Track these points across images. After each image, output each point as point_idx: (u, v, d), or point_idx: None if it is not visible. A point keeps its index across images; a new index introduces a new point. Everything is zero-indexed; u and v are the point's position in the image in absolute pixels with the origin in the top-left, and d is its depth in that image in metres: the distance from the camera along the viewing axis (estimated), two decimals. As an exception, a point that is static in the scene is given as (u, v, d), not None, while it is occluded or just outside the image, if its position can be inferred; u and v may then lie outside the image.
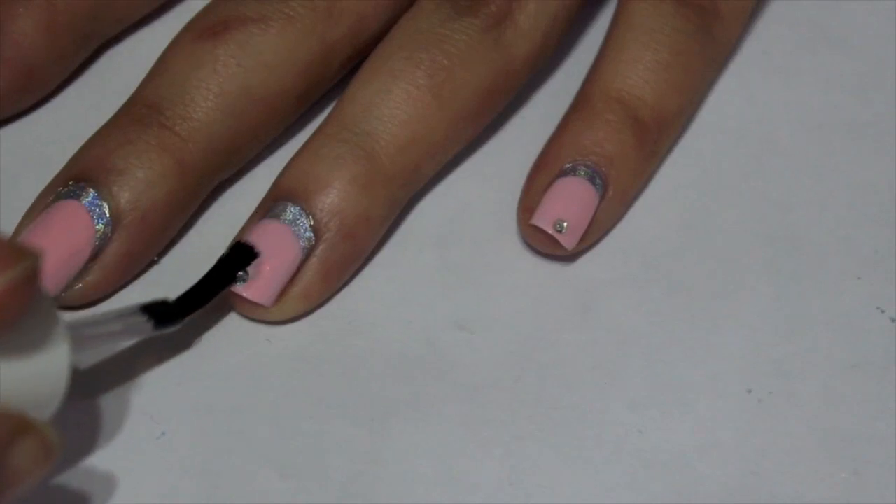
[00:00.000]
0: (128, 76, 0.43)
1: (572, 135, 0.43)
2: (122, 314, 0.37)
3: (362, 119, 0.42)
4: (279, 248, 0.40)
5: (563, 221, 0.41)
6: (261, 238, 0.40)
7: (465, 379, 0.40)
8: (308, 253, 0.41)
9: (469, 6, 0.43)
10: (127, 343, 0.37)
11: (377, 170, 0.41)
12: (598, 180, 0.42)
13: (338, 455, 0.39)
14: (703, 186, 0.44)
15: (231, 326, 0.41)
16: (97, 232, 0.40)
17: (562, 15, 0.44)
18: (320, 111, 0.44)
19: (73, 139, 0.42)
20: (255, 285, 0.40)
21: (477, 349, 0.41)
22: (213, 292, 0.39)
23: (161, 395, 0.39)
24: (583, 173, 0.42)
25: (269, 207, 0.41)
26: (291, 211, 0.41)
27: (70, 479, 0.38)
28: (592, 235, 0.42)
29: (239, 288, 0.40)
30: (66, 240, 0.40)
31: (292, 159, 0.42)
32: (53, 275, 0.39)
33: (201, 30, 0.42)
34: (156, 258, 0.42)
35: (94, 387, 0.39)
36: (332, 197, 0.41)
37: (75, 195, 0.40)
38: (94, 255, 0.40)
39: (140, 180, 0.40)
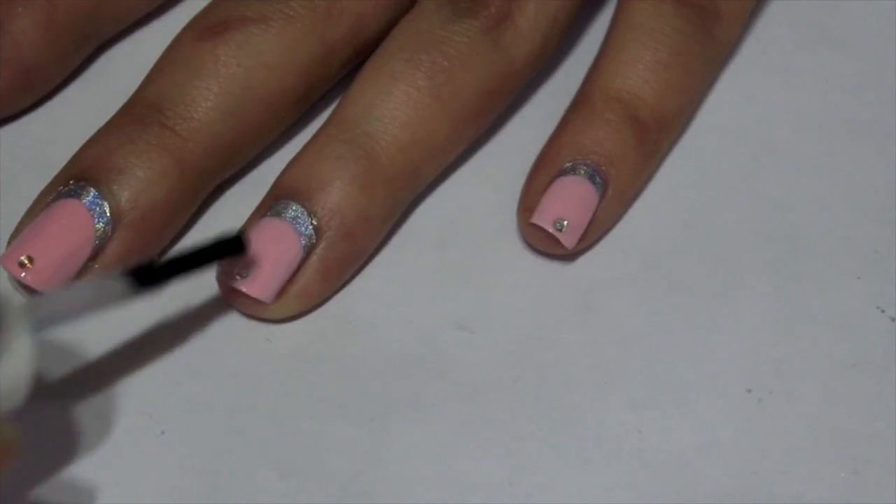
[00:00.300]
0: (128, 76, 0.43)
1: (572, 134, 0.43)
2: (98, 281, 0.36)
3: (363, 120, 0.42)
4: (280, 245, 0.40)
5: (563, 220, 0.41)
6: (262, 235, 0.40)
7: (465, 378, 0.40)
8: (309, 251, 0.41)
9: (469, 8, 0.43)
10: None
11: (377, 170, 0.41)
12: (597, 179, 0.42)
13: (337, 455, 0.39)
14: (703, 186, 0.44)
15: (231, 326, 0.41)
16: (97, 231, 0.40)
17: (561, 16, 0.44)
18: (321, 112, 0.44)
19: (73, 139, 0.42)
20: (256, 282, 0.40)
21: (477, 349, 0.41)
22: (196, 265, 0.38)
23: (161, 394, 0.39)
24: (583, 172, 0.42)
25: (271, 206, 0.41)
26: (293, 209, 0.41)
27: (70, 478, 0.38)
28: (592, 235, 0.42)
29: (239, 284, 0.40)
30: (67, 239, 0.40)
31: (293, 159, 0.42)
32: (53, 274, 0.39)
33: (201, 30, 0.42)
34: (156, 258, 0.42)
35: (93, 386, 0.39)
36: (334, 196, 0.41)
37: (76, 194, 0.40)
38: (95, 254, 0.40)
39: (140, 180, 0.40)
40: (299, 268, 0.41)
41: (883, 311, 0.42)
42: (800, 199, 0.44)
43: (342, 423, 0.39)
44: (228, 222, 0.42)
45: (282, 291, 0.40)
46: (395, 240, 0.43)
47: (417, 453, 0.39)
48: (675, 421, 0.40)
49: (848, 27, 0.48)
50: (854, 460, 0.39)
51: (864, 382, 0.41)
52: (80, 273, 0.40)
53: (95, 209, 0.40)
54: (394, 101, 0.42)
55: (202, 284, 0.41)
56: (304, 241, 0.41)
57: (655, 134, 0.43)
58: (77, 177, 0.41)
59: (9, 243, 0.40)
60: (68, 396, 0.39)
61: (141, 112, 0.41)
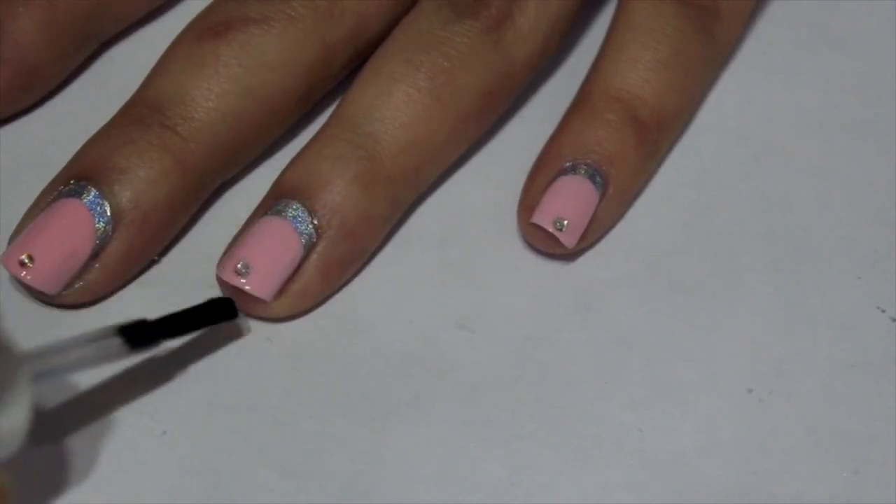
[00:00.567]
0: (128, 76, 0.43)
1: (572, 134, 0.43)
2: (94, 337, 0.36)
3: (363, 121, 0.42)
4: (280, 244, 0.40)
5: (564, 220, 0.41)
6: (262, 233, 0.40)
7: (466, 378, 0.40)
8: (309, 251, 0.41)
9: (469, 8, 0.43)
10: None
11: (378, 170, 0.41)
12: (598, 179, 0.42)
13: (338, 454, 0.39)
14: (704, 186, 0.44)
15: (232, 325, 0.41)
16: (98, 231, 0.40)
17: (562, 16, 0.44)
18: (322, 113, 0.44)
19: (74, 139, 0.42)
20: (256, 279, 0.40)
21: (477, 348, 0.41)
22: (189, 327, 0.39)
23: (162, 394, 0.39)
24: (583, 172, 0.42)
25: (271, 205, 0.41)
26: (293, 208, 0.41)
27: (71, 477, 0.38)
28: (593, 234, 0.42)
29: (240, 281, 0.40)
30: (67, 238, 0.40)
31: (294, 159, 0.42)
32: (54, 273, 0.39)
33: (203, 30, 0.42)
34: (156, 258, 0.42)
35: (94, 386, 0.39)
36: (334, 195, 0.41)
37: (77, 194, 0.40)
38: (95, 254, 0.40)
39: (141, 180, 0.40)
40: (299, 267, 0.41)
41: (883, 312, 0.42)
42: (800, 198, 0.44)
43: (343, 422, 0.39)
44: (230, 222, 0.42)
45: (282, 290, 0.41)
46: (396, 239, 0.43)
47: (418, 453, 0.39)
48: (675, 421, 0.40)
49: (848, 27, 0.48)
50: (854, 460, 0.39)
51: (864, 382, 0.41)
52: (81, 272, 0.40)
53: (96, 209, 0.40)
54: (394, 102, 0.42)
55: (203, 284, 0.41)
56: (304, 241, 0.41)
57: (655, 134, 0.43)
58: (78, 176, 0.41)
59: (9, 242, 0.40)
60: (69, 396, 0.39)
61: (142, 112, 0.41)
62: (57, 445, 0.38)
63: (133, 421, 0.39)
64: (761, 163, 0.45)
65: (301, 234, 0.41)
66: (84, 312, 0.41)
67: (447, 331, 0.41)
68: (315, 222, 0.41)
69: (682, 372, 0.41)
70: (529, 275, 0.42)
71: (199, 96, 0.41)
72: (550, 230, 0.41)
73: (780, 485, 0.39)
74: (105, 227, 0.40)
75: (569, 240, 0.42)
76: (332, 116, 0.43)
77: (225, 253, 0.41)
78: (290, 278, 0.41)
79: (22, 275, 0.39)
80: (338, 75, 0.44)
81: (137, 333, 0.37)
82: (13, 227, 0.41)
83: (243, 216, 0.42)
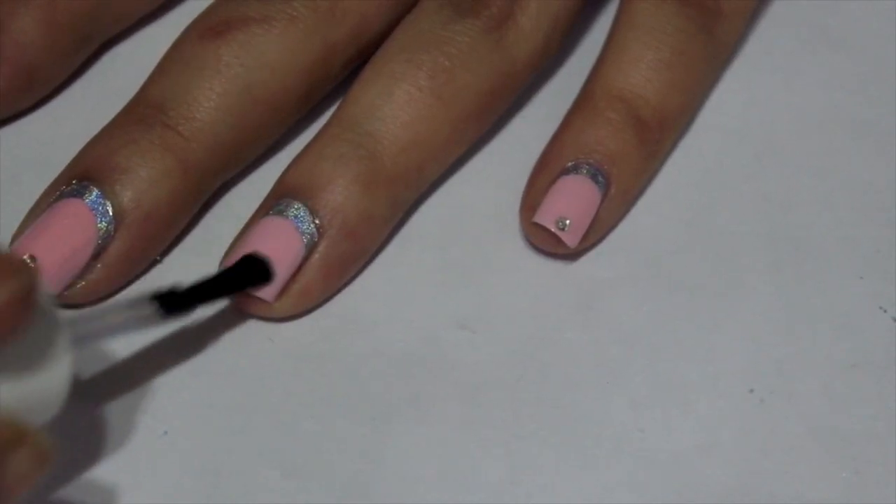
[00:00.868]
0: (130, 76, 0.43)
1: (574, 133, 0.43)
2: (130, 304, 0.36)
3: (364, 120, 0.42)
4: (282, 243, 0.40)
5: (566, 219, 0.41)
6: (264, 233, 0.40)
7: (467, 378, 0.40)
8: (310, 250, 0.41)
9: (471, 8, 0.43)
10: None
11: (379, 170, 0.41)
12: (600, 178, 0.42)
13: (339, 454, 0.39)
14: (705, 186, 0.44)
15: (233, 325, 0.41)
16: (100, 230, 0.40)
17: (563, 15, 0.44)
18: (323, 113, 0.44)
19: (75, 139, 0.42)
20: None
21: (478, 348, 0.41)
22: (224, 291, 0.39)
23: (163, 393, 0.39)
24: (585, 172, 0.42)
25: (273, 205, 0.41)
26: (295, 208, 0.41)
27: (72, 477, 0.38)
28: (595, 234, 0.42)
29: None
30: (69, 238, 0.40)
31: (295, 158, 0.42)
32: (56, 273, 0.39)
33: (204, 30, 0.42)
34: (158, 258, 0.42)
35: (96, 386, 0.39)
36: (335, 195, 0.41)
37: (78, 194, 0.40)
38: (97, 254, 0.40)
39: (143, 179, 0.40)
40: (301, 267, 0.41)
41: (885, 311, 0.42)
42: (802, 198, 0.44)
43: (344, 422, 0.39)
44: (232, 222, 0.42)
45: (283, 290, 0.41)
46: (397, 239, 0.43)
47: (419, 453, 0.39)
48: (676, 420, 0.40)
49: (849, 27, 0.48)
50: (855, 460, 0.39)
51: (866, 382, 0.41)
52: (83, 272, 0.40)
53: (98, 208, 0.40)
54: (396, 101, 0.42)
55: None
56: (305, 240, 0.41)
57: (657, 133, 0.43)
58: (80, 176, 0.41)
59: (11, 243, 0.40)
60: (70, 397, 0.39)
61: (144, 112, 0.41)
62: (59, 445, 0.38)
63: (135, 420, 0.39)
64: (763, 163, 0.45)
65: (303, 233, 0.41)
66: (85, 312, 0.41)
67: (448, 331, 0.41)
68: (317, 222, 0.41)
69: (683, 372, 0.41)
70: (531, 274, 0.42)
71: (200, 96, 0.41)
72: (552, 230, 0.41)
73: (781, 485, 0.39)
74: (107, 227, 0.40)
75: (571, 239, 0.42)
76: (333, 116, 0.43)
77: (227, 252, 0.41)
78: (292, 278, 0.41)
79: (24, 274, 0.39)
80: (339, 75, 0.44)
81: (171, 300, 0.37)
82: (14, 228, 0.41)
83: (245, 216, 0.42)
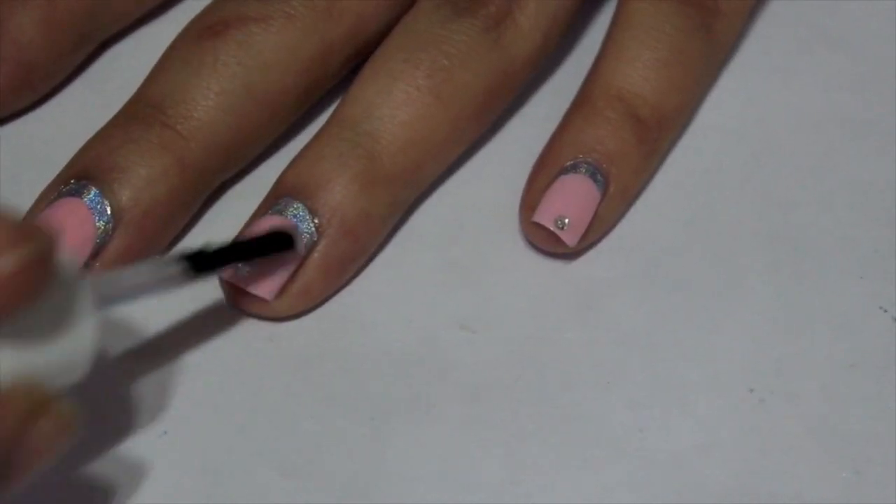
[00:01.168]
0: (129, 75, 0.43)
1: (573, 133, 0.43)
2: (158, 264, 0.37)
3: (363, 120, 0.42)
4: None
5: (565, 219, 0.41)
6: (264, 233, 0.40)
7: (466, 378, 0.40)
8: (310, 250, 0.41)
9: (469, 7, 0.43)
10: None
11: (378, 169, 0.41)
12: (599, 178, 0.42)
13: (339, 454, 0.39)
14: (704, 186, 0.44)
15: (233, 325, 0.41)
16: (98, 229, 0.40)
17: (561, 14, 0.44)
18: (322, 113, 0.44)
19: (74, 138, 0.42)
20: (257, 279, 0.40)
21: (478, 348, 0.41)
22: (251, 254, 0.39)
23: (163, 393, 0.39)
24: (584, 171, 0.42)
25: (272, 204, 0.41)
26: (294, 207, 0.41)
27: (72, 476, 0.38)
28: (594, 233, 0.42)
29: (241, 280, 0.40)
30: (68, 237, 0.40)
31: (295, 158, 0.42)
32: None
33: (202, 29, 0.42)
34: (158, 256, 0.42)
35: (96, 385, 0.39)
36: (335, 195, 0.41)
37: (77, 193, 0.40)
38: (96, 253, 0.40)
39: (142, 178, 0.40)
40: (300, 266, 0.41)
41: (885, 311, 0.42)
42: (801, 198, 0.44)
43: (343, 422, 0.39)
44: (230, 221, 0.42)
45: (283, 289, 0.40)
46: (397, 239, 0.43)
47: (418, 453, 0.39)
48: (675, 421, 0.40)
49: (848, 27, 0.48)
50: (855, 460, 0.39)
51: (866, 382, 0.41)
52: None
53: (97, 207, 0.40)
54: (394, 101, 0.42)
55: (204, 283, 0.41)
56: (305, 240, 0.41)
57: (656, 132, 0.43)
58: (78, 175, 0.41)
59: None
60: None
61: (142, 111, 0.41)
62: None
63: (134, 419, 0.39)
64: (761, 163, 0.45)
65: (302, 233, 0.40)
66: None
67: (448, 331, 0.41)
68: (316, 222, 0.41)
69: (682, 372, 0.41)
70: (530, 274, 0.42)
71: (198, 95, 0.41)
72: (552, 229, 0.41)
73: (781, 485, 0.39)
74: (106, 227, 0.40)
75: (570, 238, 0.42)
76: (332, 116, 0.43)
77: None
78: (291, 277, 0.40)
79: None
80: (337, 74, 0.44)
81: (200, 260, 0.37)
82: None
83: (245, 215, 0.42)
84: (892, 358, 0.41)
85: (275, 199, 0.41)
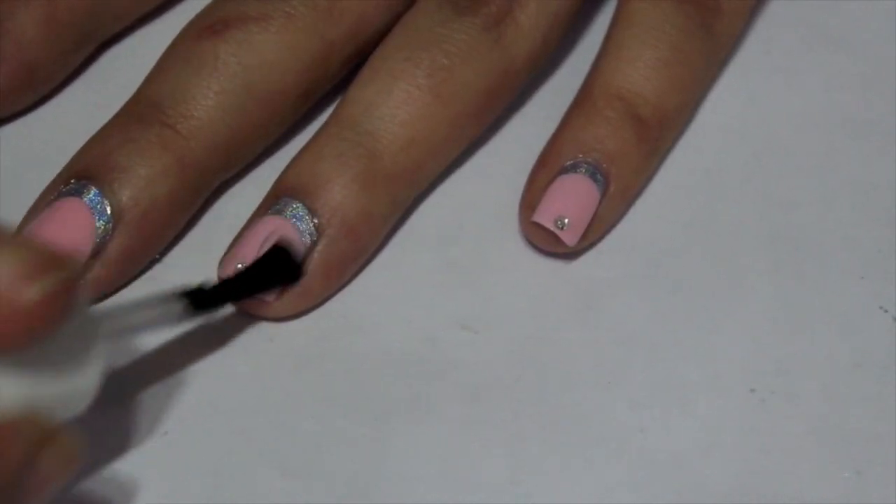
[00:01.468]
0: (129, 75, 0.43)
1: (573, 132, 0.43)
2: (158, 301, 0.37)
3: (363, 119, 0.42)
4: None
5: (565, 218, 0.41)
6: (264, 233, 0.40)
7: (467, 378, 0.40)
8: (310, 249, 0.41)
9: (469, 6, 0.43)
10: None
11: (378, 169, 0.41)
12: (599, 177, 0.42)
13: (339, 454, 0.39)
14: (705, 186, 0.44)
15: (233, 325, 0.41)
16: (98, 229, 0.40)
17: (562, 14, 0.44)
18: (322, 113, 0.44)
19: (75, 138, 0.42)
20: None
21: (478, 348, 0.41)
22: (252, 288, 0.39)
23: (164, 394, 0.39)
24: (584, 170, 0.42)
25: (272, 204, 0.41)
26: (294, 207, 0.41)
27: (73, 477, 0.38)
28: (594, 233, 0.42)
29: None
30: (68, 237, 0.40)
31: (295, 158, 0.42)
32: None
33: (202, 28, 0.42)
34: (158, 256, 0.42)
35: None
36: (334, 194, 0.41)
37: (77, 192, 0.40)
38: (96, 253, 0.40)
39: (142, 178, 0.40)
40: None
41: (886, 312, 0.42)
42: (802, 198, 0.44)
43: (344, 422, 0.39)
44: (231, 221, 0.42)
45: (283, 290, 0.40)
46: (397, 239, 0.43)
47: (419, 453, 0.39)
48: (676, 421, 0.40)
49: (849, 27, 0.48)
50: (856, 460, 0.39)
51: (867, 382, 0.41)
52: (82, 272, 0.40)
53: (97, 207, 0.40)
54: (394, 100, 0.42)
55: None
56: (304, 240, 0.40)
57: (656, 131, 0.43)
58: (78, 175, 0.41)
59: (11, 242, 0.40)
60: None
61: (142, 111, 0.41)
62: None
63: (135, 420, 0.39)
64: (762, 162, 0.45)
65: (302, 233, 0.40)
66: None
67: (448, 331, 0.41)
68: (316, 221, 0.41)
69: (683, 372, 0.41)
70: (531, 274, 0.42)
71: (198, 94, 0.41)
72: (551, 229, 0.41)
73: (782, 485, 0.39)
74: (105, 226, 0.40)
75: (570, 238, 0.42)
76: (332, 115, 0.43)
77: (227, 252, 0.41)
78: (291, 278, 0.41)
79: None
80: (337, 74, 0.44)
81: (200, 297, 0.37)
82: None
83: (245, 215, 0.42)
84: (892, 358, 0.41)
85: (275, 199, 0.41)
